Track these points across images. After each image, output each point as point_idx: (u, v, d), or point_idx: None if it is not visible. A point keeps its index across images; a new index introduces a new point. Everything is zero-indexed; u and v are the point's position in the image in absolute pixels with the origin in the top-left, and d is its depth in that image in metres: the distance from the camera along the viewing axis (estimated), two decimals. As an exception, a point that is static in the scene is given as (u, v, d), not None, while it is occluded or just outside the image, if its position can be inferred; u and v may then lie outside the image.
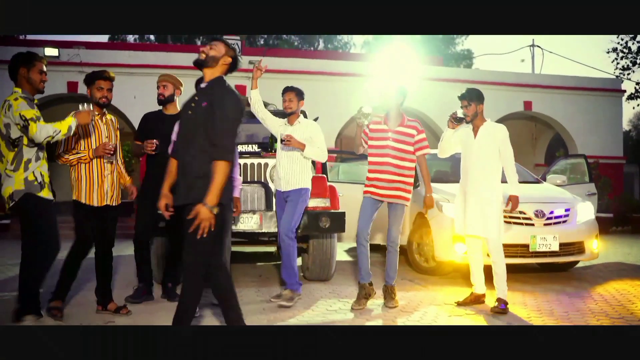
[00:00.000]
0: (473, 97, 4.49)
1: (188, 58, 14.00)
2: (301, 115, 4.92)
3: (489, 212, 4.40)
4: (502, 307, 4.31)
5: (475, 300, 4.64)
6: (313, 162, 5.18)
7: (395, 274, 4.68)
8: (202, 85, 3.09)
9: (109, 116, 4.34)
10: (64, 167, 4.19)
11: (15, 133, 3.54)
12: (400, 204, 4.61)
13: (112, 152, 4.10)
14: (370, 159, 4.72)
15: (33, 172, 3.62)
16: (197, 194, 2.86)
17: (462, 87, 15.80)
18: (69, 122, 3.57)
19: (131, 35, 32.25)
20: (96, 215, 4.19)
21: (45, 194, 3.66)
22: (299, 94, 4.82)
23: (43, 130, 3.47)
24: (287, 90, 4.85)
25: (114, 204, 4.24)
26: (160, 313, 4.29)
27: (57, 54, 12.08)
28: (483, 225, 4.40)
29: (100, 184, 4.15)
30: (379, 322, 4.18)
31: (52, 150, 3.98)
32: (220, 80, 3.07)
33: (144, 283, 4.76)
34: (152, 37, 32.32)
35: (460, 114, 4.54)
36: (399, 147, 4.60)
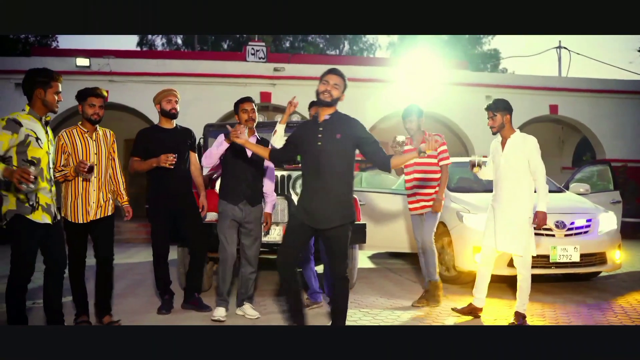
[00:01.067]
0: (499, 107, 4.45)
1: (214, 66, 14.18)
2: None
3: (517, 228, 4.35)
4: (519, 323, 4.35)
5: (472, 311, 4.67)
6: None
7: (435, 270, 5.08)
8: (326, 117, 3.53)
9: (101, 131, 4.32)
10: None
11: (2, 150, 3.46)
12: (427, 212, 5.04)
13: (86, 171, 3.93)
14: (406, 177, 5.20)
15: (27, 193, 3.53)
16: (346, 215, 3.53)
17: (487, 92, 15.76)
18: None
19: (159, 40, 32.86)
20: (85, 230, 4.24)
21: (37, 216, 3.59)
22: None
23: None
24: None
25: (101, 217, 4.23)
26: (193, 322, 4.47)
27: (88, 64, 12.44)
28: (511, 241, 4.37)
29: (85, 200, 4.16)
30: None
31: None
32: (339, 113, 3.59)
33: (169, 295, 4.90)
34: (179, 40, 32.85)
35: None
36: (422, 162, 4.98)
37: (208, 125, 6.56)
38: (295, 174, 5.42)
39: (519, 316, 4.39)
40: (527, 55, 37.57)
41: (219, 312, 4.49)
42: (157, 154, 4.55)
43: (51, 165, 3.75)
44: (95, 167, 4.15)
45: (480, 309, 4.68)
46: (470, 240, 5.63)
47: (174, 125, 4.93)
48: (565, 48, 17.28)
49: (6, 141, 3.44)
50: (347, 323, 4.45)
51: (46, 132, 3.70)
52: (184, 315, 4.73)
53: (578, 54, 21.73)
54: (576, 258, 5.53)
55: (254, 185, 4.63)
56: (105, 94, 4.29)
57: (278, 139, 4.78)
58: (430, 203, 5.01)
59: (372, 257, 8.73)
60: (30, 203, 3.57)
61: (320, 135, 3.49)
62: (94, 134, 4.27)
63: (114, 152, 4.42)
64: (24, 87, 3.66)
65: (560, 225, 5.63)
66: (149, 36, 32.61)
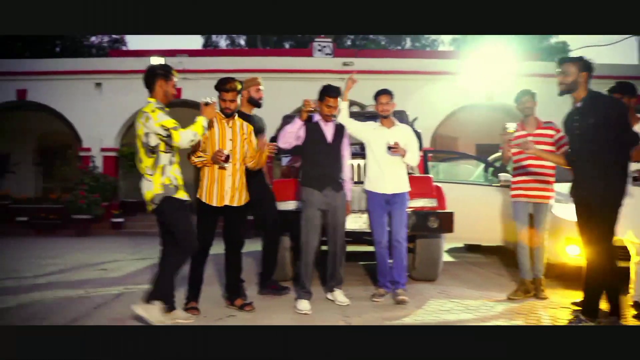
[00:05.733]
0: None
1: (282, 62, 14.35)
2: (395, 119, 4.96)
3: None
4: None
5: None
6: None
7: (542, 267, 4.96)
8: (578, 105, 3.63)
9: (238, 121, 4.41)
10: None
11: (153, 141, 3.79)
12: (544, 204, 4.90)
13: (224, 160, 4.09)
14: (514, 164, 5.03)
15: (169, 176, 3.87)
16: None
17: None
18: (201, 123, 3.88)
19: (223, 41, 33.59)
20: (217, 214, 4.34)
21: (181, 194, 3.91)
22: (392, 96, 4.87)
23: (184, 136, 3.79)
24: (382, 92, 4.84)
25: (235, 205, 4.33)
26: (277, 309, 4.48)
27: (162, 63, 12.81)
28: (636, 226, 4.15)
29: (221, 184, 4.28)
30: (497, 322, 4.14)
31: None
32: (592, 94, 3.65)
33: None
34: (242, 41, 33.46)
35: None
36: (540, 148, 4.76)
37: (286, 116, 6.61)
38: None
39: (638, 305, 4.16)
40: (601, 44, 35.61)
41: (304, 305, 4.39)
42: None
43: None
44: (230, 153, 4.22)
45: None
46: (562, 232, 5.40)
47: (252, 113, 5.07)
48: (644, 36, 16.42)
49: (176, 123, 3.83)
50: (440, 312, 4.38)
51: None
52: (267, 304, 4.71)
53: (659, 41, 20.52)
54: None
55: (336, 171, 4.61)
56: (239, 86, 4.34)
57: (346, 116, 4.85)
58: (542, 193, 4.89)
59: (450, 251, 8.56)
60: (174, 184, 3.89)
61: (577, 117, 3.64)
62: (231, 121, 4.37)
63: (250, 142, 4.46)
64: (147, 82, 3.93)
65: None
66: (213, 38, 33.43)
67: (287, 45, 32.41)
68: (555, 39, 32.60)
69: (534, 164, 4.87)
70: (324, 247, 4.88)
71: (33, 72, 13.52)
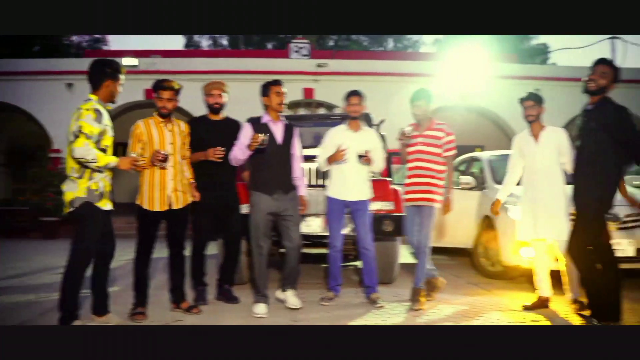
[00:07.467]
0: (539, 99, 4.69)
1: (259, 63, 14.27)
2: (363, 122, 4.91)
3: (560, 215, 4.47)
4: (584, 306, 4.32)
5: (542, 304, 4.60)
6: None
7: (422, 275, 4.70)
8: (589, 107, 3.86)
9: (176, 122, 4.39)
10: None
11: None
12: (428, 206, 4.64)
13: (163, 160, 3.93)
14: (407, 165, 4.85)
15: (97, 181, 3.70)
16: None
17: (537, 85, 15.39)
18: (109, 160, 3.60)
19: (205, 41, 33.45)
20: (159, 219, 4.29)
21: (103, 204, 3.75)
22: (364, 98, 4.83)
23: (83, 150, 3.49)
24: (353, 94, 4.80)
25: (179, 207, 4.32)
26: (227, 314, 4.46)
27: (136, 64, 12.71)
28: (556, 228, 4.46)
29: (162, 189, 4.24)
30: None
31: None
32: (605, 101, 3.84)
33: (202, 286, 4.83)
34: (225, 42, 33.34)
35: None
36: (426, 150, 4.69)
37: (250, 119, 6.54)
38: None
39: (580, 301, 4.46)
40: (578, 47, 36.07)
41: (260, 309, 4.35)
42: (203, 146, 4.52)
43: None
44: (171, 156, 4.18)
45: (549, 299, 4.63)
46: (515, 234, 5.41)
47: (223, 117, 4.85)
48: (619, 38, 16.57)
49: (97, 134, 3.61)
50: (389, 317, 4.37)
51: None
52: (218, 307, 4.68)
53: (635, 44, 20.71)
54: (631, 252, 5.25)
55: (287, 173, 4.53)
56: (176, 86, 4.28)
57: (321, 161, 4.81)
58: (428, 196, 4.64)
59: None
60: (100, 191, 3.71)
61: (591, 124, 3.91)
62: (169, 124, 4.31)
63: (185, 144, 4.44)
64: (92, 78, 3.75)
65: (613, 218, 5.35)
66: (195, 37, 33.27)
67: (269, 46, 32.35)
68: (536, 40, 32.91)
69: (422, 166, 4.68)
70: (282, 250, 4.85)
71: (4, 72, 13.36)
